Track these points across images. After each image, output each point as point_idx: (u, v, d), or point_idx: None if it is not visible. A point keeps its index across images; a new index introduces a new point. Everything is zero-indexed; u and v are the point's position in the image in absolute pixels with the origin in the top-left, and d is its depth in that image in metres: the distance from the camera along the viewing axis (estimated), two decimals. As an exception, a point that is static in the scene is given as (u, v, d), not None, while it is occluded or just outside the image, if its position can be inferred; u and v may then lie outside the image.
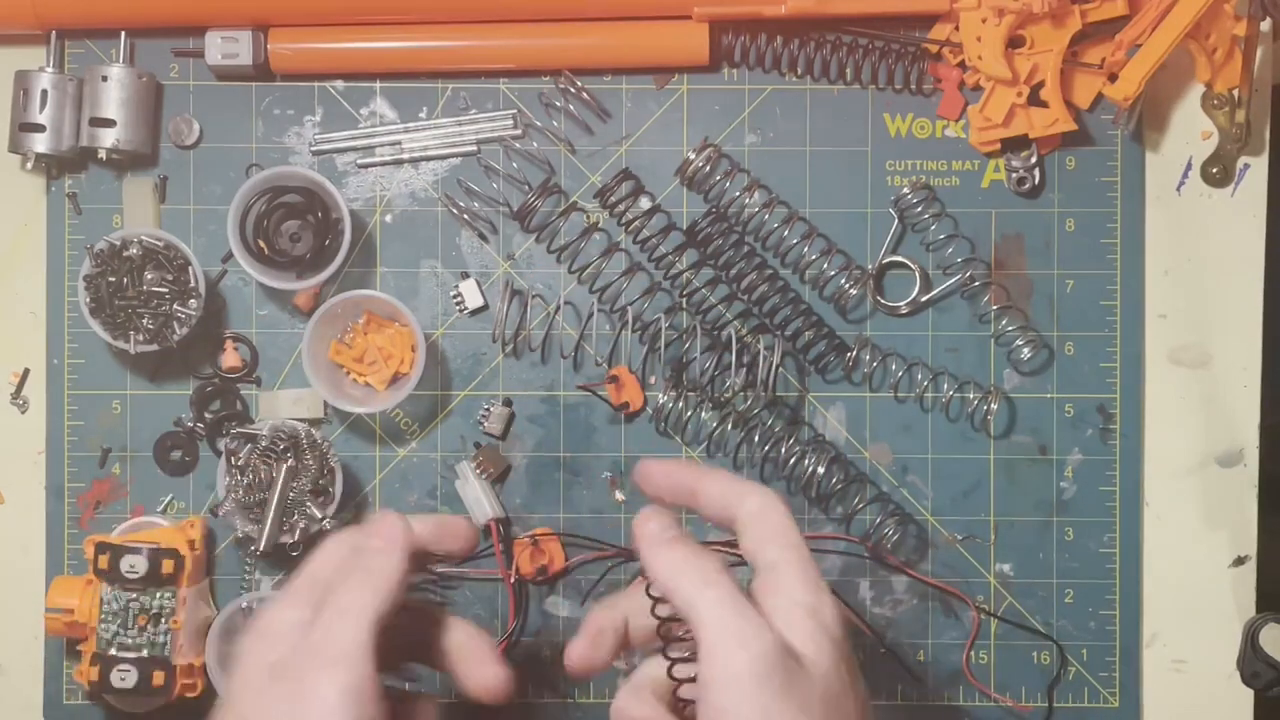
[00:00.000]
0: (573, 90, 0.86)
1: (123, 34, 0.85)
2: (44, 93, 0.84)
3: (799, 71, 0.86)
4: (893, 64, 0.86)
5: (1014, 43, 0.84)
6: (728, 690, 0.54)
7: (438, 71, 0.86)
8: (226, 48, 0.85)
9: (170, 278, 0.83)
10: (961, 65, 0.86)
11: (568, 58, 0.85)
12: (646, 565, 0.60)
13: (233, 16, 0.84)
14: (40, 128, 0.84)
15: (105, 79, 0.84)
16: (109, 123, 0.84)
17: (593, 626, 0.64)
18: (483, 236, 0.87)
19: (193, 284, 0.83)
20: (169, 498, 0.87)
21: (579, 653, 0.63)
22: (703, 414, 0.86)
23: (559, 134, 0.86)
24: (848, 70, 0.86)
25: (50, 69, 0.85)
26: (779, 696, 0.54)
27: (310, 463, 0.83)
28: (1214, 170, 0.87)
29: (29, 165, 0.85)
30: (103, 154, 0.84)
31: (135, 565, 0.81)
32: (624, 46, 0.85)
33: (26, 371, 0.87)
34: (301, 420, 0.84)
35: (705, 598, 0.57)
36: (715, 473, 0.64)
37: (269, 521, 0.82)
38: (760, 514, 0.61)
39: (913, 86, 0.86)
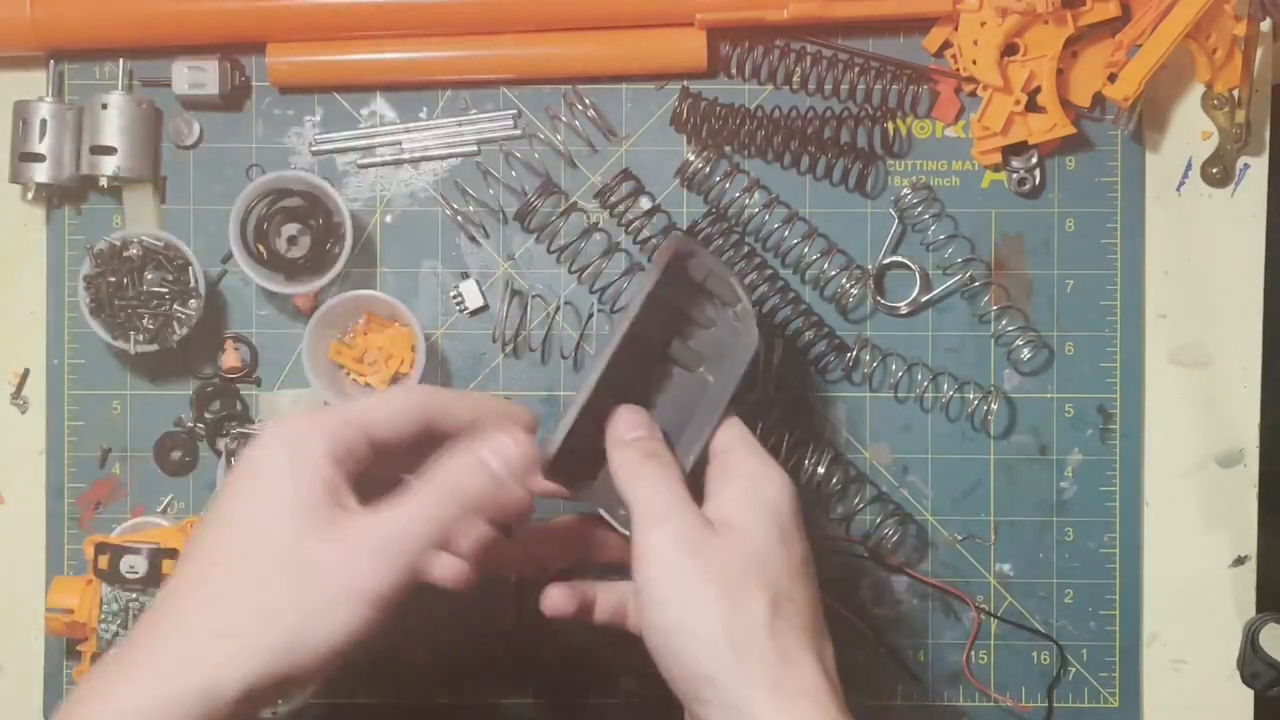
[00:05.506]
0: (580, 106, 0.85)
1: (121, 61, 0.85)
2: (43, 122, 0.84)
3: (794, 88, 0.86)
4: (888, 85, 0.85)
5: (1009, 50, 0.84)
6: (649, 561, 0.64)
7: (437, 82, 0.86)
8: (194, 77, 0.84)
9: (170, 278, 0.83)
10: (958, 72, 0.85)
11: (567, 66, 0.85)
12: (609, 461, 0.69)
13: (236, 34, 0.84)
14: (40, 157, 0.84)
15: (105, 106, 0.84)
16: (110, 150, 0.84)
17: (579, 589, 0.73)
18: (474, 240, 0.87)
19: (193, 284, 0.83)
20: (169, 498, 0.87)
21: (559, 599, 0.73)
22: (703, 414, 0.86)
23: (559, 148, 0.86)
24: (843, 88, 0.86)
25: (49, 98, 0.85)
26: (697, 565, 0.63)
27: (310, 463, 0.82)
28: (1214, 170, 0.87)
29: (29, 195, 0.85)
30: (104, 181, 0.84)
31: (135, 565, 0.81)
32: (623, 55, 0.85)
33: (26, 371, 0.87)
34: (301, 420, 0.84)
35: (635, 486, 0.67)
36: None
37: (269, 521, 0.82)
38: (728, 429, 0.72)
39: (906, 108, 0.86)
